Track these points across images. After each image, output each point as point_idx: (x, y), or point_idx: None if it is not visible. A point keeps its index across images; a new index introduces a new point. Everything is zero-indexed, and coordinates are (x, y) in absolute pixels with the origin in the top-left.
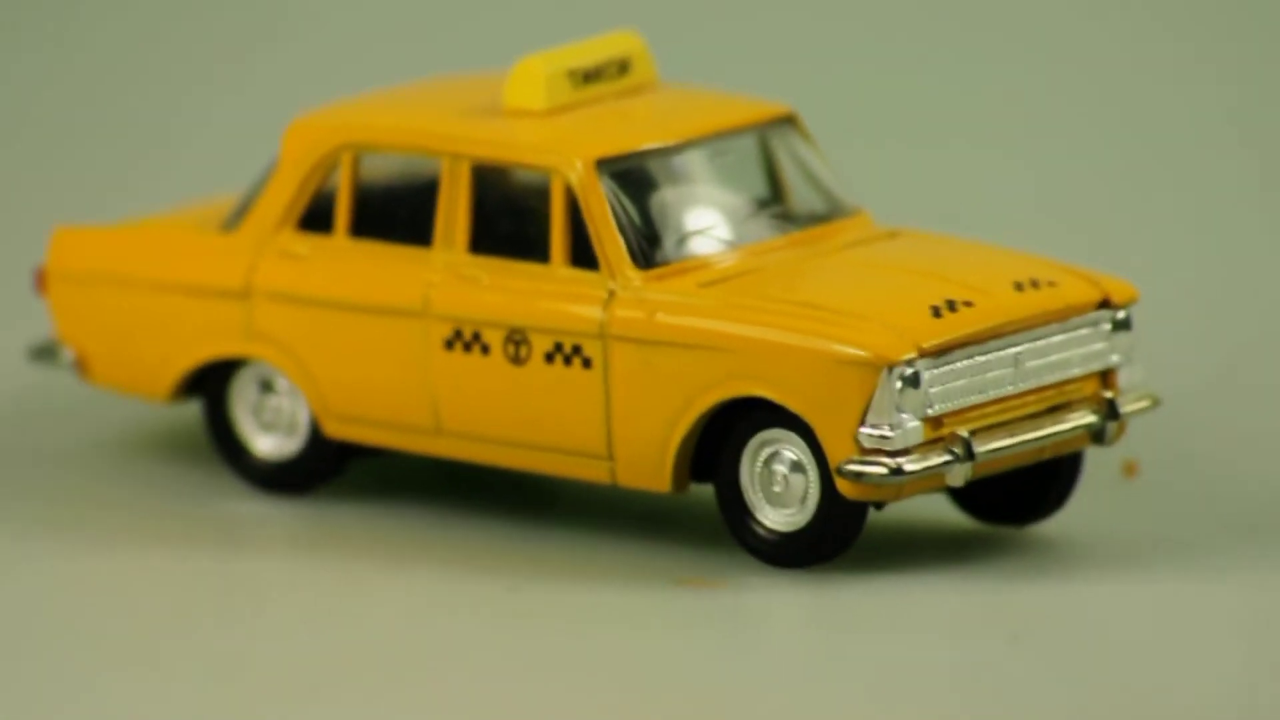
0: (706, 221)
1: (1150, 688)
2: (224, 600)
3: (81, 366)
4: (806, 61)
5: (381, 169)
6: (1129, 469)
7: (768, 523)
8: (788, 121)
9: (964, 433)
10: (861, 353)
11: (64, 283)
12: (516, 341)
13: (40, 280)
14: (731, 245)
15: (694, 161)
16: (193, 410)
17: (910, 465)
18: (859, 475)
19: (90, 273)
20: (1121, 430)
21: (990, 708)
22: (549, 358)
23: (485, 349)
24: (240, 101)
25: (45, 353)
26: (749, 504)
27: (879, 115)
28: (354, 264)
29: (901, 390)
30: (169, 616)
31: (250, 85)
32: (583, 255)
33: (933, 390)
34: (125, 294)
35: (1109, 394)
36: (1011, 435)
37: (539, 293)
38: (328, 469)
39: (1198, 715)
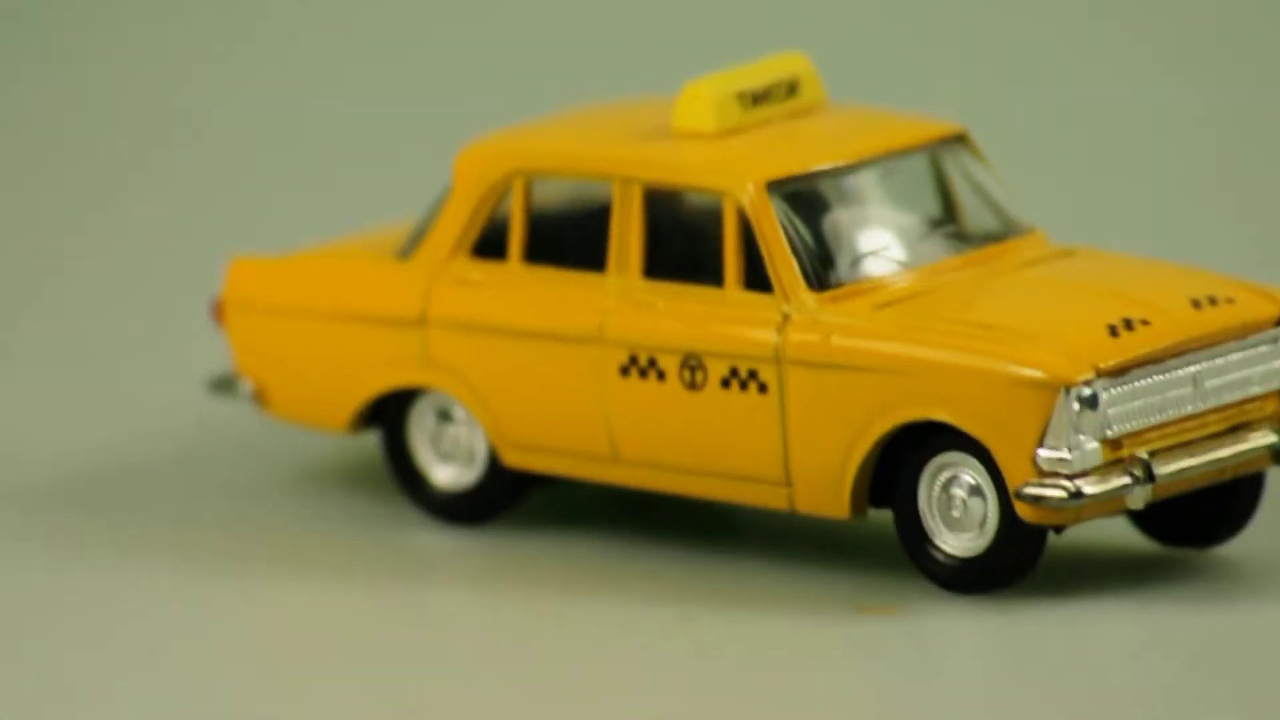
0: (880, 242)
1: None
2: (406, 631)
3: (260, 398)
4: (978, 80)
5: (554, 194)
6: None
7: (947, 548)
8: (959, 140)
9: (1143, 454)
10: (1038, 374)
11: (241, 313)
12: (692, 367)
13: (217, 311)
14: (906, 266)
15: (866, 182)
16: (371, 441)
17: (1089, 488)
18: (1038, 499)
19: (266, 303)
20: None
21: None
22: (725, 383)
23: (661, 375)
24: (405, 128)
25: (224, 384)
26: (928, 529)
27: (1052, 133)
28: (528, 290)
29: (1080, 411)
30: (353, 648)
31: (415, 112)
32: (757, 278)
33: (1111, 411)
34: (302, 324)
35: None
36: (1192, 456)
37: (714, 317)
38: (506, 498)
39: None
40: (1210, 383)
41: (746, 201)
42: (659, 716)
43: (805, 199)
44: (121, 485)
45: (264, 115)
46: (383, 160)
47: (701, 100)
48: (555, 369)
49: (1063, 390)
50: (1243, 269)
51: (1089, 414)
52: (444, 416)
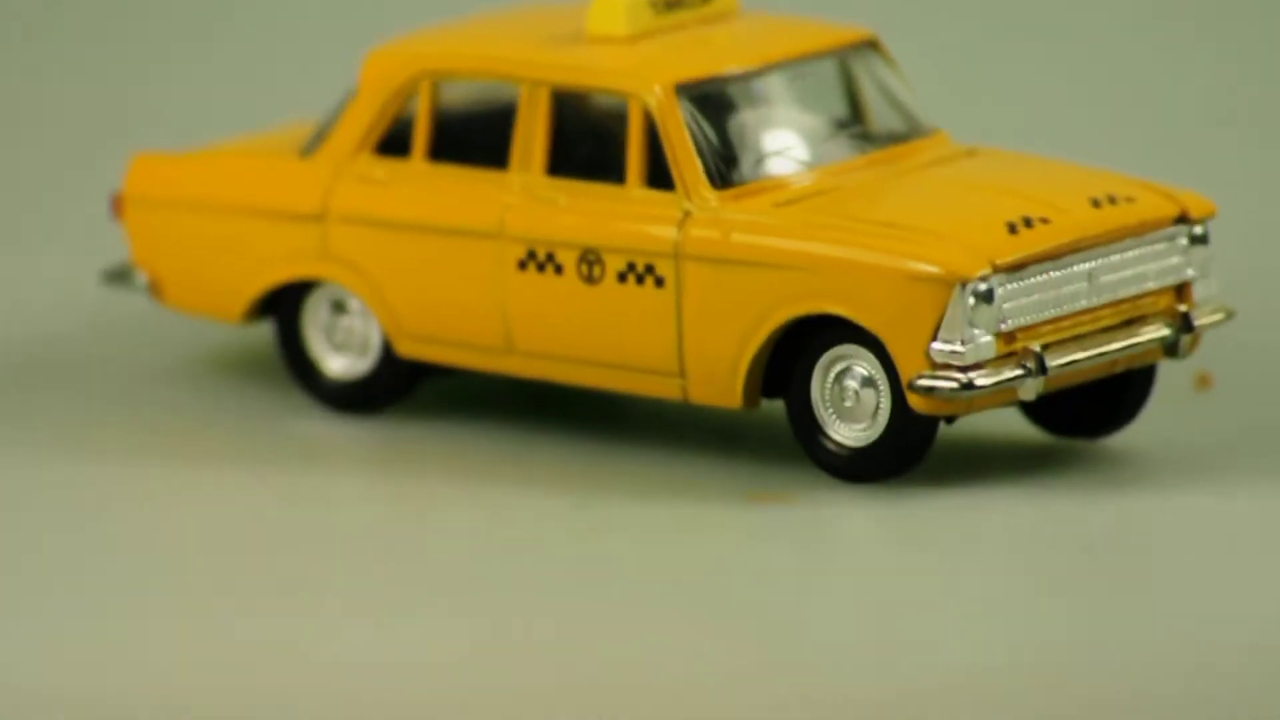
0: (784, 143)
1: (1224, 600)
2: (296, 516)
3: (155, 289)
4: None
5: (460, 95)
6: (1202, 382)
7: (839, 438)
8: (869, 45)
9: (1036, 347)
10: (935, 269)
11: (140, 208)
12: (590, 262)
13: (117, 206)
14: (809, 166)
15: (773, 85)
16: (264, 332)
17: (982, 380)
18: (930, 390)
19: (167, 198)
20: (1195, 343)
21: (1064, 620)
22: (622, 277)
23: (559, 269)
24: (315, 29)
25: (119, 276)
26: (820, 420)
27: (962, 38)
28: (430, 187)
29: (974, 306)
30: (241, 533)
31: (324, 12)
32: (659, 177)
33: (1006, 306)
34: (201, 218)
35: (1183, 307)
36: (1084, 349)
37: (614, 213)
38: (399, 388)
39: (1272, 627)
40: (1105, 278)
41: (653, 103)
42: (552, 598)
43: (712, 101)
44: (16, 376)
45: (173, 9)
46: (291, 59)
47: (614, 5)
48: (453, 263)
49: (959, 285)
50: (1145, 171)
51: (984, 308)
52: (338, 308)
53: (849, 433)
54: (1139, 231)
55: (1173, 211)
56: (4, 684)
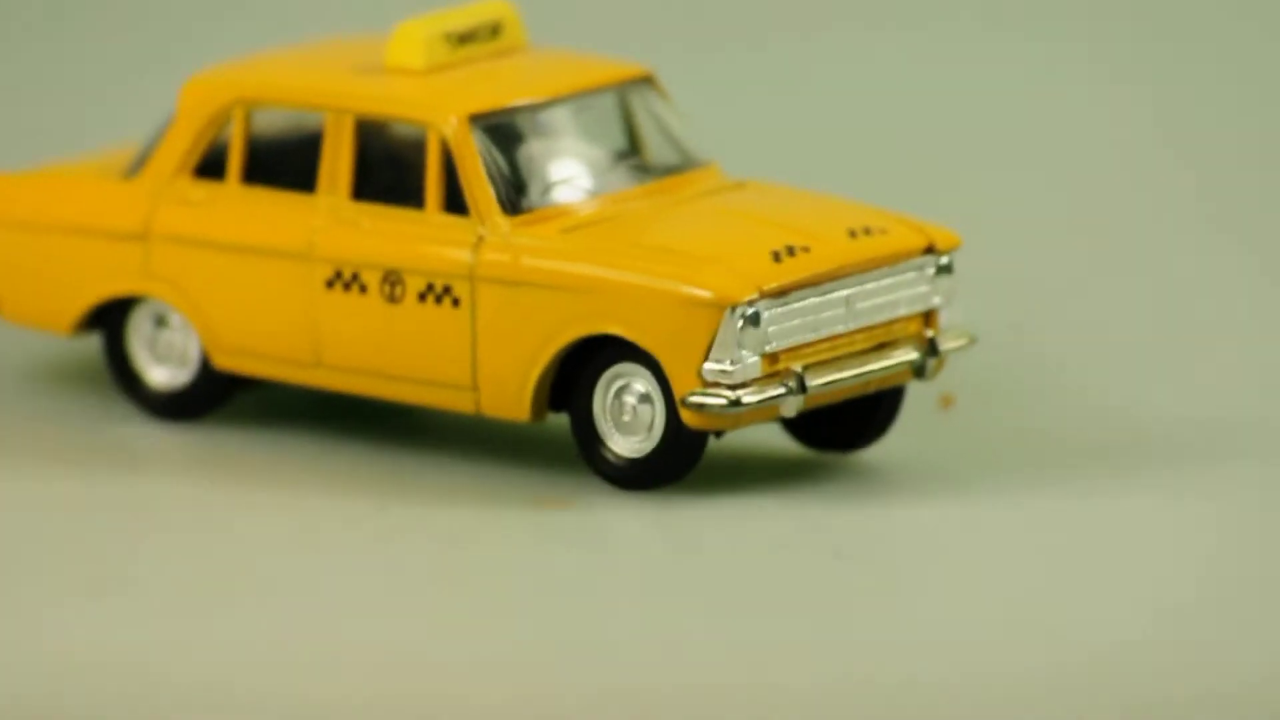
0: (570, 172)
1: (961, 595)
2: (117, 519)
3: None
4: (664, 24)
5: (271, 122)
6: (946, 401)
7: (617, 449)
8: (646, 81)
9: (798, 368)
10: (706, 293)
11: None
12: (392, 282)
13: None
14: (592, 194)
15: (559, 117)
16: (93, 344)
17: (748, 397)
18: (701, 406)
19: (2, 217)
20: (940, 366)
21: (814, 617)
22: (421, 297)
23: (363, 289)
24: (136, 56)
25: None
26: (600, 432)
27: (737, 72)
28: (244, 209)
29: (742, 328)
30: (65, 535)
31: (145, 43)
32: (455, 203)
33: (771, 329)
34: (33, 236)
35: (930, 333)
36: (840, 370)
37: (414, 237)
38: (216, 398)
39: (1001, 616)
40: (861, 304)
41: (449, 132)
42: (351, 596)
43: (503, 131)
44: None
45: (20, 36)
46: (128, 80)
47: (412, 39)
48: (266, 281)
49: (728, 309)
50: (899, 203)
51: (751, 331)
52: (160, 322)
53: (626, 445)
54: (891, 261)
55: (922, 243)
56: None
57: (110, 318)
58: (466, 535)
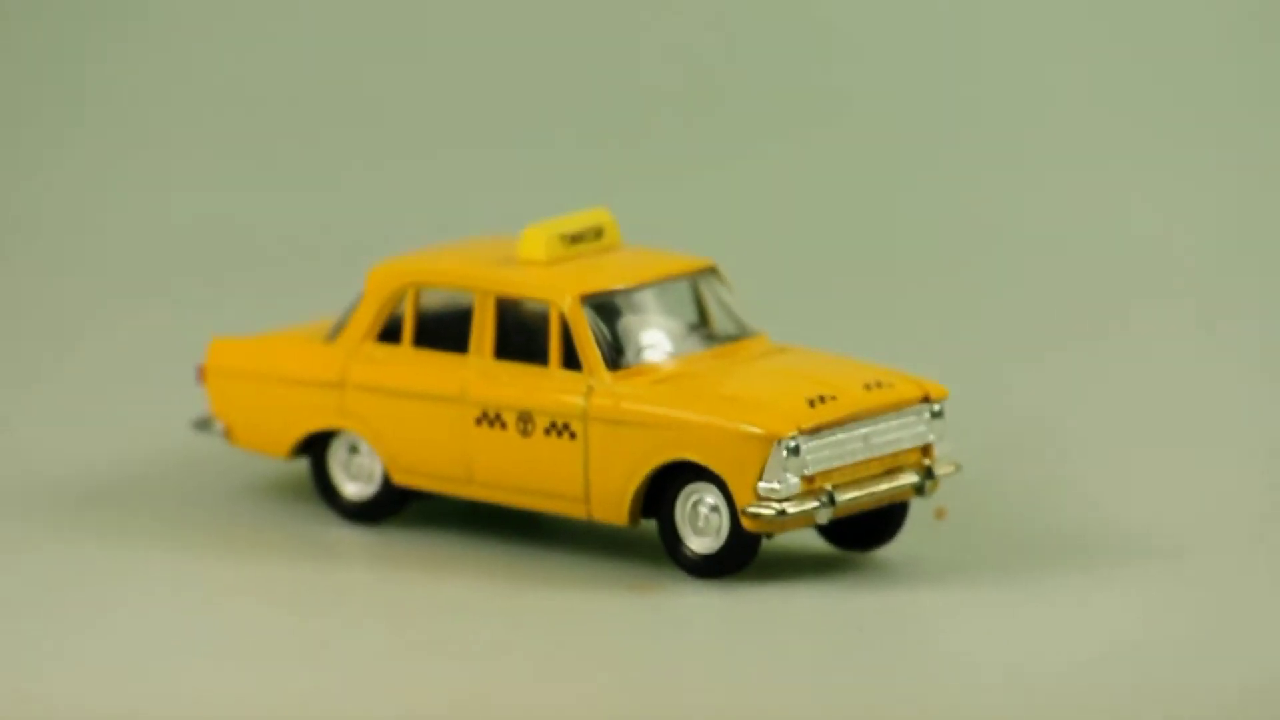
0: (655, 339)
1: (954, 659)
2: (318, 597)
3: (228, 434)
4: (727, 226)
5: (435, 300)
6: (940, 513)
7: (694, 547)
8: (711, 270)
9: (829, 486)
10: (760, 430)
11: (217, 376)
12: (525, 420)
13: (200, 374)
14: (672, 356)
15: (647, 297)
16: (302, 465)
17: (791, 508)
18: (757, 515)
19: (236, 369)
20: (936, 486)
21: (841, 678)
22: (547, 431)
23: (503, 425)
24: (337, 249)
25: (204, 424)
26: (681, 534)
27: (779, 263)
28: (415, 365)
29: (787, 457)
30: (277, 611)
31: (344, 235)
32: (571, 361)
33: (809, 457)
34: (260, 384)
35: (927, 461)
36: (861, 488)
37: (541, 387)
38: (395, 506)
39: (990, 688)
40: (875, 440)
41: (566, 308)
42: (478, 667)
43: (606, 308)
44: (127, 490)
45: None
46: (317, 267)
47: (537, 239)
48: (431, 419)
49: (776, 442)
50: (899, 362)
51: (793, 459)
52: (353, 450)
53: (700, 544)
54: (897, 407)
55: (919, 394)
56: None
57: (316, 445)
58: (577, 613)
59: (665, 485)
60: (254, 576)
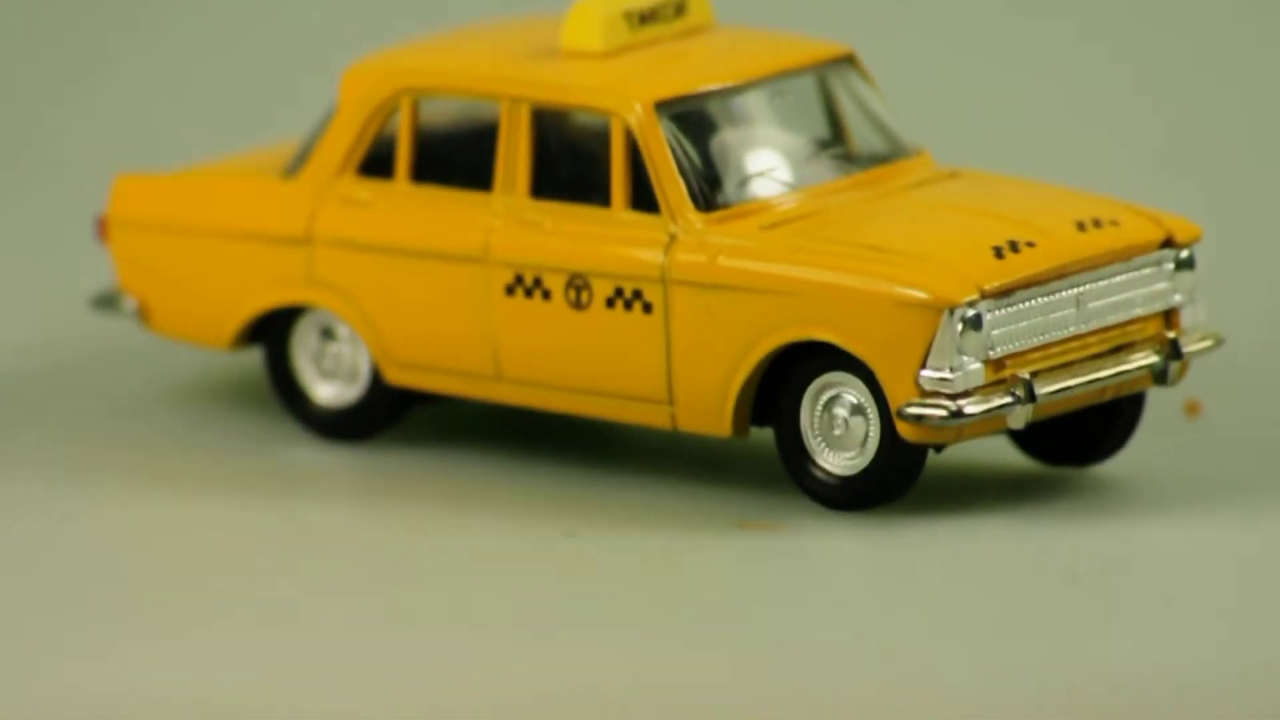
0: (767, 163)
1: (1209, 629)
2: (284, 547)
3: (143, 315)
4: (863, 4)
5: (441, 113)
6: (1192, 409)
7: (828, 466)
8: (847, 61)
9: (1025, 374)
10: (923, 295)
11: (126, 231)
12: (578, 287)
13: (102, 228)
14: (793, 187)
15: (753, 103)
16: (253, 358)
17: (971, 408)
18: (919, 418)
19: (151, 221)
20: (1184, 370)
21: (1047, 649)
22: (610, 303)
23: (546, 294)
24: (290, 44)
25: (107, 301)
26: (809, 448)
27: (941, 57)
28: (415, 209)
29: (963, 332)
30: (229, 563)
31: (300, 27)
32: (644, 199)
33: (994, 332)
34: (187, 242)
35: (1171, 334)
36: (1073, 376)
37: (600, 237)
38: (388, 416)
39: (1258, 658)
40: (1093, 304)
41: (634, 122)
42: (538, 628)
43: (693, 120)
44: (2, 401)
45: (151, 32)
46: (268, 77)
47: (589, 19)
48: (441, 288)
49: (946, 311)
50: (1131, 193)
51: (972, 335)
52: (327, 334)
53: (838, 461)
54: (1125, 256)
55: (1159, 235)
56: None
57: (272, 330)
58: (662, 560)
59: (785, 378)
60: (191, 520)
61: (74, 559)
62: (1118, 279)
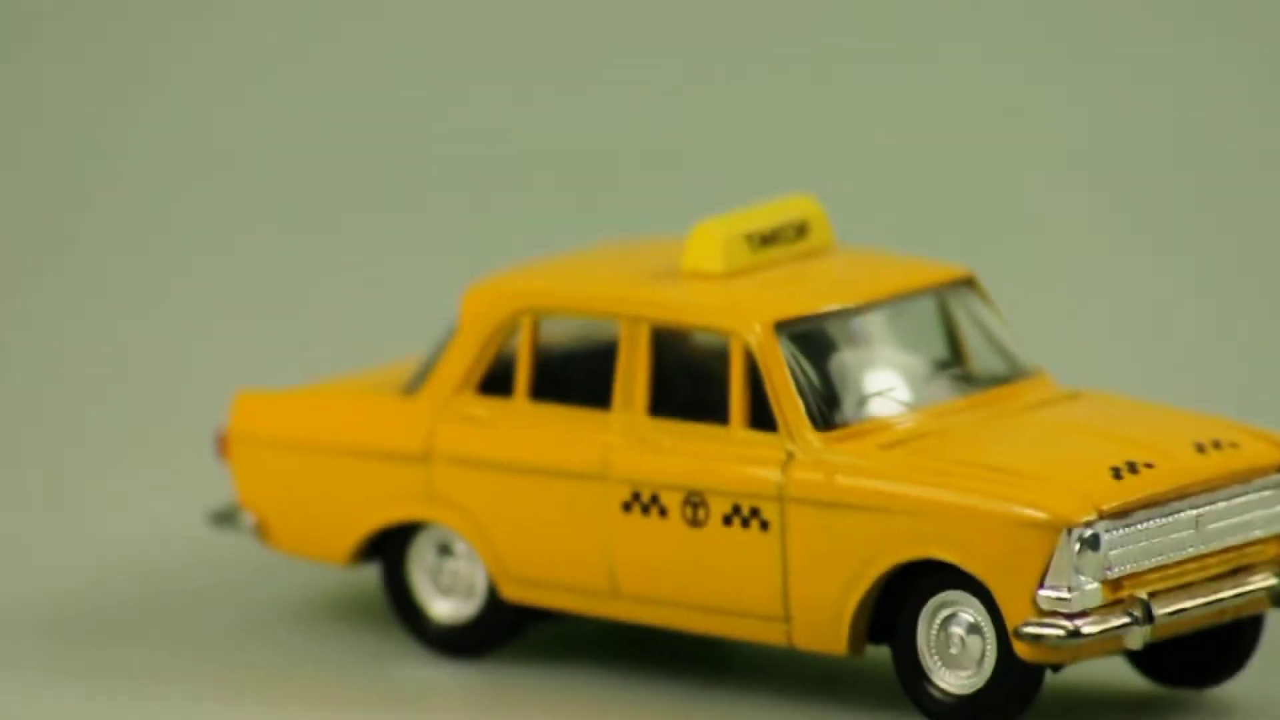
0: (886, 383)
1: None
2: None
3: (262, 530)
4: (981, 224)
5: (560, 332)
6: None
7: (944, 685)
8: (966, 283)
9: (1143, 595)
10: (1041, 514)
11: (246, 447)
12: (695, 504)
13: (222, 444)
14: (911, 407)
15: (872, 323)
16: (370, 575)
17: (1088, 627)
18: (1037, 637)
19: (272, 437)
20: None
21: None
22: (727, 520)
23: (663, 511)
24: (410, 264)
25: (226, 517)
26: (925, 666)
27: (1059, 276)
28: (533, 427)
29: (1080, 552)
30: None
31: (418, 248)
32: (761, 417)
33: (1112, 552)
34: (306, 458)
35: None
36: (1191, 598)
37: (718, 455)
38: (505, 633)
39: None
40: (1212, 525)
41: (754, 341)
42: None
43: (812, 340)
44: (121, 617)
45: (264, 251)
46: (390, 297)
47: (711, 241)
48: (558, 505)
49: (1065, 531)
50: (1246, 414)
51: (1090, 554)
52: (444, 550)
53: (954, 680)
54: (1245, 478)
55: (1276, 457)
56: None
57: (390, 546)
58: None
59: (902, 597)
60: None
61: None
62: (1237, 500)
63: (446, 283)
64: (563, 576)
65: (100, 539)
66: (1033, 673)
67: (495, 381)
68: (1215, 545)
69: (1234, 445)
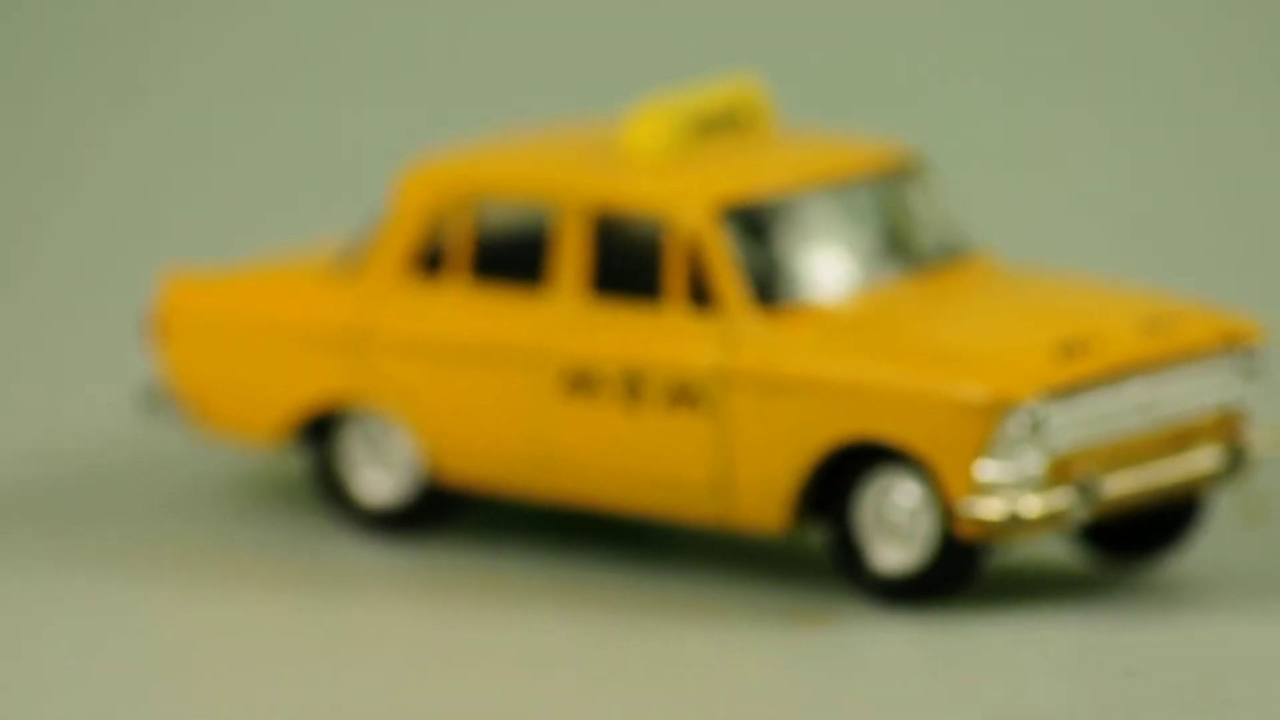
0: (827, 264)
1: None
2: (332, 646)
3: (192, 412)
4: (927, 99)
5: (500, 214)
6: (1255, 514)
7: (884, 562)
8: (912, 161)
9: (1087, 472)
10: (985, 393)
11: (175, 329)
12: (633, 384)
13: (150, 327)
14: (852, 287)
15: (815, 204)
16: (301, 459)
17: (1031, 506)
18: (979, 516)
19: (204, 319)
20: (1249, 471)
21: None
22: (665, 400)
23: (600, 392)
24: (339, 140)
25: (154, 401)
26: (864, 544)
27: (1006, 154)
28: (471, 309)
29: (1024, 430)
30: (276, 663)
31: (351, 123)
32: (701, 298)
33: (1056, 430)
34: (243, 340)
35: (1236, 434)
36: (1135, 475)
37: (657, 336)
38: (439, 513)
39: None
40: (1157, 403)
41: (695, 224)
42: None
43: (754, 221)
44: (47, 496)
45: (189, 123)
46: (313, 173)
47: (652, 122)
48: (495, 386)
49: (1008, 409)
50: (1193, 289)
51: (1035, 433)
52: (379, 430)
53: (894, 557)
54: (1190, 355)
55: (1224, 334)
56: None
57: (322, 430)
58: (710, 657)
59: (841, 475)
60: (237, 621)
61: (120, 657)
62: (1183, 377)
63: (371, 160)
64: (498, 458)
65: (23, 420)
66: (973, 552)
67: (432, 263)
68: (1160, 423)
69: (1179, 322)
